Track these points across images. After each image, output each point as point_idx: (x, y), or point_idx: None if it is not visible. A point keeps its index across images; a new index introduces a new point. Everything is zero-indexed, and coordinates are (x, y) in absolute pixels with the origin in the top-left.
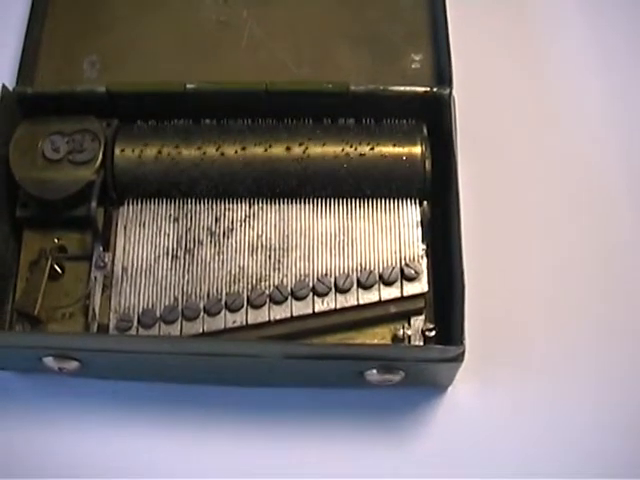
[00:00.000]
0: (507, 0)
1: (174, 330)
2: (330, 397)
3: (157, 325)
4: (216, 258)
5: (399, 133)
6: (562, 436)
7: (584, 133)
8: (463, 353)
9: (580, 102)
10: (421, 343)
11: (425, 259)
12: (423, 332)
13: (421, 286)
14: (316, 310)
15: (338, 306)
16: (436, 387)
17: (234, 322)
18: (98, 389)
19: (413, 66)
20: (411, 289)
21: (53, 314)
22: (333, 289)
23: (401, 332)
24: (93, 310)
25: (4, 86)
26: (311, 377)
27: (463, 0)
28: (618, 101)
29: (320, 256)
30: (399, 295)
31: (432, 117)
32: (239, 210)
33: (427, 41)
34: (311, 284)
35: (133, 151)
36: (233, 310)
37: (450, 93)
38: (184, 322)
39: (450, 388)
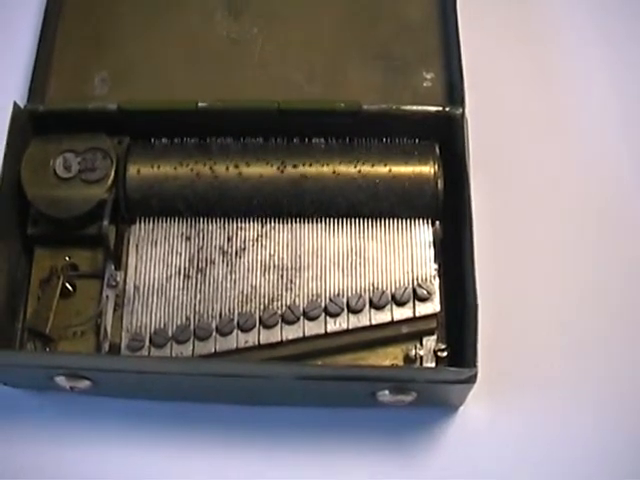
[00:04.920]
0: (520, 19)
1: (186, 350)
2: (342, 417)
3: (169, 345)
4: (228, 277)
5: (411, 152)
6: (574, 457)
7: (600, 152)
8: (476, 375)
9: (596, 120)
10: (433, 363)
11: (437, 279)
12: (435, 352)
13: (433, 306)
14: (328, 330)
15: (350, 326)
16: (448, 407)
17: (246, 342)
18: (110, 408)
19: (425, 85)
20: (423, 309)
21: (64, 333)
22: (345, 309)
23: (413, 352)
24: (105, 329)
25: (15, 104)
26: (323, 397)
27: (475, 18)
28: (636, 116)
29: (332, 276)
30: (411, 315)
31: (444, 136)
32: (251, 229)
33: (439, 60)
34: (323, 304)
35: (145, 170)
36: (245, 330)
37: (463, 112)
38: (196, 342)
39: (462, 408)
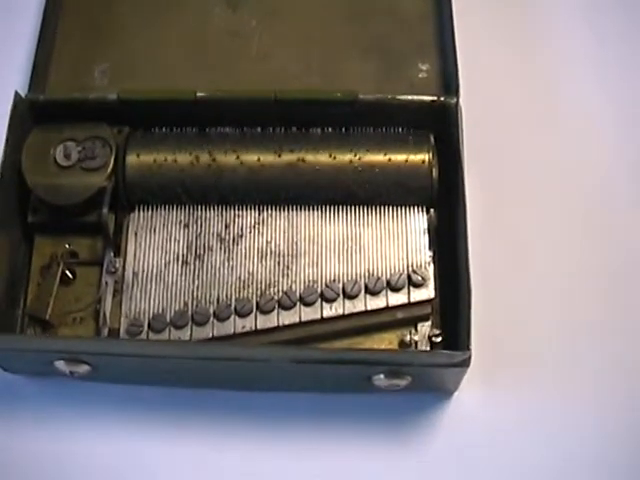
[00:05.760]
0: (515, 10)
1: (184, 335)
2: (338, 403)
3: (167, 330)
4: (226, 264)
5: (406, 141)
6: (568, 442)
7: (593, 143)
8: (469, 358)
9: (589, 112)
10: (428, 349)
11: (432, 266)
12: (430, 338)
13: (428, 292)
14: (324, 316)
15: (346, 312)
16: (442, 392)
17: (243, 327)
18: (109, 394)
19: (420, 75)
20: (418, 295)
21: (64, 319)
22: (341, 295)
23: (408, 338)
24: (104, 315)
25: (16, 93)
26: (319, 382)
27: (470, 9)
28: (631, 111)
29: (328, 262)
30: (406, 301)
31: (439, 126)
32: (248, 217)
33: (434, 51)
34: (319, 290)
35: (144, 158)
36: (242, 315)
37: (457, 102)
38: (194, 327)
39: (456, 393)
